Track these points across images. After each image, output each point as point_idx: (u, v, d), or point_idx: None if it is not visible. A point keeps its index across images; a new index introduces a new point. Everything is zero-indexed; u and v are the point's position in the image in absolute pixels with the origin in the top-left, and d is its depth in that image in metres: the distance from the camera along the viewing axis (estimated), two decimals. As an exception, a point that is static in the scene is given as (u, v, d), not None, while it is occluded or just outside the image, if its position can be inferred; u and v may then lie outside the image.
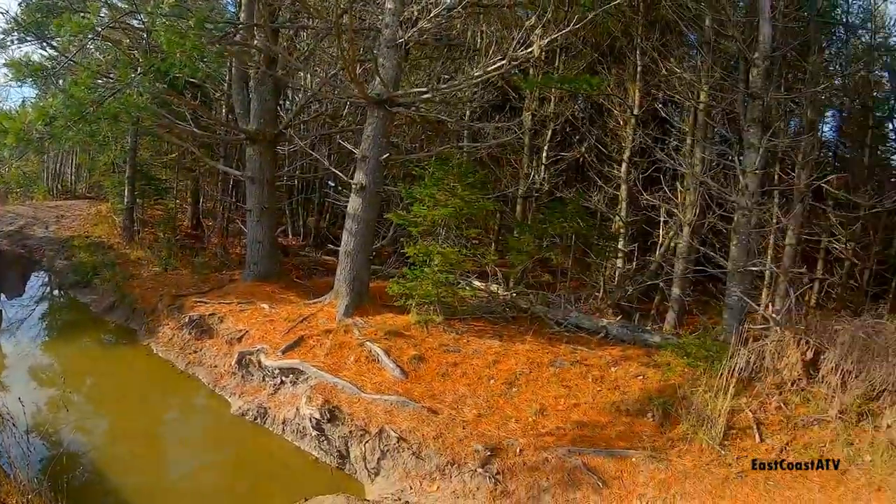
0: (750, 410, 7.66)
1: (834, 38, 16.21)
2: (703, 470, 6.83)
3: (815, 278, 14.81)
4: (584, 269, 14.58)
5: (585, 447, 7.21)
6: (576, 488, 6.64)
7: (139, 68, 8.21)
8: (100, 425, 8.55)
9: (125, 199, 16.62)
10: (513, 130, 13.27)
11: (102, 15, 8.93)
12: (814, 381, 7.78)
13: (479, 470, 6.82)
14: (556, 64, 15.38)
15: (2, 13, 9.92)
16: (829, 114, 17.40)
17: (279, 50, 12.49)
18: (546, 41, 9.94)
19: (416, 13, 10.96)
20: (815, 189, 13.56)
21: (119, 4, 9.53)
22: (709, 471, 6.81)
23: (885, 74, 16.98)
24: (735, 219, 10.74)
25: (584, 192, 14.35)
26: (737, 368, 7.87)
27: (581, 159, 15.59)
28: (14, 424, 6.89)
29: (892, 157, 18.59)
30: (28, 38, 10.09)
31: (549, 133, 15.54)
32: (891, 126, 18.06)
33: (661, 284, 13.76)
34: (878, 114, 17.07)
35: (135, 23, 9.38)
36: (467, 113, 14.56)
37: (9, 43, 10.50)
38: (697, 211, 12.14)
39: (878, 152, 17.39)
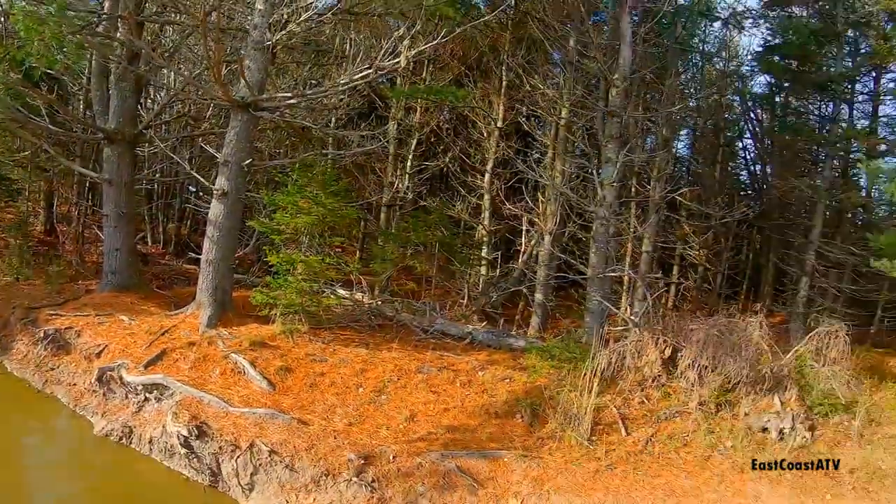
0: (615, 407, 8.17)
1: (690, 63, 17.87)
2: (574, 465, 7.20)
3: (671, 282, 16.21)
4: (449, 277, 14.95)
5: (458, 450, 7.38)
6: (452, 491, 6.78)
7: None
8: (-53, 455, 7.63)
9: (-31, 202, 14.98)
10: (378, 139, 13.36)
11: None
12: (673, 376, 8.45)
13: (355, 479, 6.82)
14: (424, 75, 15.72)
15: None
16: (683, 132, 19.21)
17: (143, 45, 11.85)
18: (414, 52, 10.17)
19: (285, 16, 10.80)
20: (669, 201, 14.84)
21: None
22: (580, 465, 7.20)
23: (737, 98, 19.00)
24: (594, 228, 11.45)
25: (447, 202, 14.78)
26: (600, 368, 8.34)
27: (445, 169, 15.99)
28: None
29: (741, 173, 20.89)
30: None
31: (415, 142, 15.87)
32: (740, 145, 20.26)
33: (525, 291, 14.39)
34: (728, 133, 19.08)
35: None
36: (333, 120, 14.50)
37: None
38: (558, 220, 12.86)
39: (729, 168, 19.42)
